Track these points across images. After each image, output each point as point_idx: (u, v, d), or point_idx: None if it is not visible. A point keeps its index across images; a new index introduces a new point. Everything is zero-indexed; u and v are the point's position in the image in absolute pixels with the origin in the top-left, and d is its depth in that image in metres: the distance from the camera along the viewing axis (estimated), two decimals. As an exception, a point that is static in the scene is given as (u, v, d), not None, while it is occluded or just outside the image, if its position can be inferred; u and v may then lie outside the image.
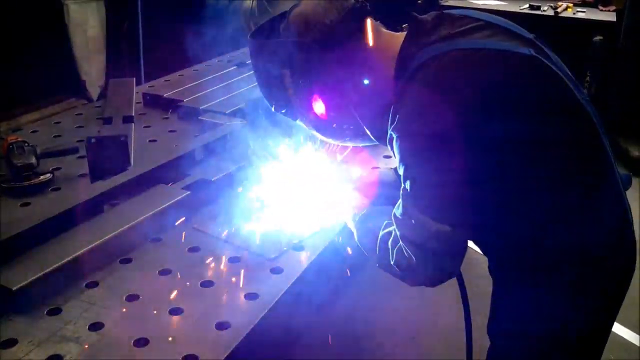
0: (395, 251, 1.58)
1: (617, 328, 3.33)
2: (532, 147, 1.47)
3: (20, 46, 4.41)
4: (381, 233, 1.67)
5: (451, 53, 1.47)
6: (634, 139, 5.50)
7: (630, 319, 3.35)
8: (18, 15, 4.39)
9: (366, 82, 1.58)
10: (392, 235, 1.60)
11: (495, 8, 5.87)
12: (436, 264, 1.53)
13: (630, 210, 1.64)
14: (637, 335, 3.35)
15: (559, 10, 5.70)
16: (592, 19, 5.59)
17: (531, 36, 1.60)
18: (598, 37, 5.32)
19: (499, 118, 1.43)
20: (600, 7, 5.84)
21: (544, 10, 5.75)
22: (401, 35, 1.59)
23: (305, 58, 1.55)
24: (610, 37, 5.40)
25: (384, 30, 1.64)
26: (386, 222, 1.67)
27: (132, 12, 4.98)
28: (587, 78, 5.47)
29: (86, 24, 4.89)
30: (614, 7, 5.76)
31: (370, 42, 1.58)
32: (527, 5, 5.85)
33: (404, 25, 1.62)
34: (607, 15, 5.66)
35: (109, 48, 5.13)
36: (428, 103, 1.44)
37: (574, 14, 5.71)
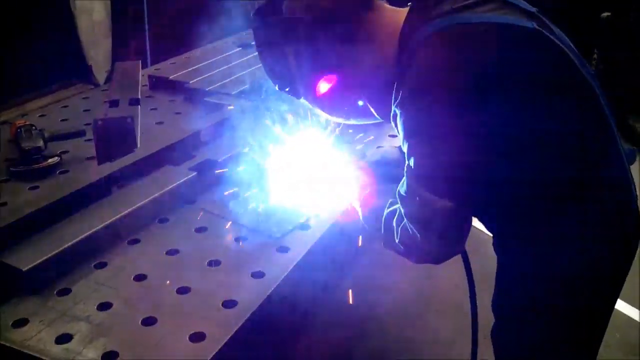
0: (400, 229, 1.58)
1: (634, 312, 3.35)
2: (535, 121, 1.47)
3: (26, 32, 4.42)
4: (386, 211, 1.67)
5: (454, 28, 1.46)
6: (642, 117, 5.48)
7: (631, 295, 3.36)
8: (23, 1, 4.39)
9: (369, 58, 1.58)
10: (397, 214, 1.61)
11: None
12: (441, 241, 1.53)
13: (634, 184, 1.64)
14: (638, 311, 3.36)
15: (567, -14, 5.64)
16: (601, -5, 5.53)
17: (534, 10, 1.59)
18: (606, 14, 5.26)
19: (502, 92, 1.43)
20: (609, -17, 5.78)
21: (551, -13, 5.69)
22: (404, 11, 1.58)
23: (308, 35, 1.55)
24: (619, 13, 5.35)
25: (387, 6, 1.64)
26: (390, 200, 1.68)
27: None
28: (595, 55, 5.43)
29: (92, 9, 4.89)
30: (622, -17, 5.70)
31: (373, 18, 1.58)
32: (534, -18, 5.80)
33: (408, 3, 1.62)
34: (615, -8, 5.60)
35: (115, 32, 5.12)
36: (431, 78, 1.44)
37: (582, -11, 5.65)
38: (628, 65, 5.52)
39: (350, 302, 1.98)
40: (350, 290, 1.99)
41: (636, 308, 3.37)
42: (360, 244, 1.93)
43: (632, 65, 5.48)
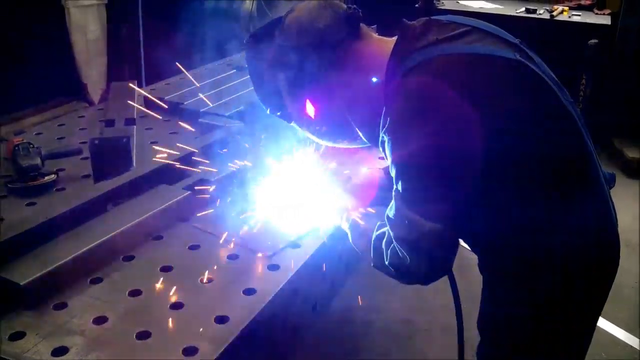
0: (389, 251, 1.62)
1: (617, 332, 3.39)
2: (517, 148, 1.52)
3: (22, 49, 4.46)
4: (375, 234, 1.71)
5: (439, 58, 1.52)
6: (629, 141, 5.57)
7: (624, 319, 3.43)
8: (20, 19, 4.44)
9: (358, 85, 1.63)
10: (386, 236, 1.64)
11: (491, 11, 5.93)
12: (430, 263, 1.57)
13: (614, 208, 1.70)
14: (637, 339, 3.41)
15: (554, 13, 5.76)
16: (588, 22, 5.65)
17: (516, 41, 1.66)
18: (593, 40, 5.37)
19: (485, 120, 1.48)
20: (596, 11, 5.91)
21: (540, 14, 5.81)
22: (391, 41, 1.64)
23: (300, 62, 1.61)
24: (606, 40, 5.46)
25: (375, 35, 1.70)
26: (379, 223, 1.71)
27: (133, 15, 5.03)
28: (583, 80, 5.54)
29: (87, 27, 4.94)
30: (609, 11, 5.83)
31: (362, 47, 1.64)
32: (523, 9, 5.91)
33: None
34: (602, 19, 5.73)
35: (110, 51, 5.17)
36: (417, 106, 1.50)
37: (569, 17, 5.77)
38: (614, 89, 5.63)
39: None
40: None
41: (636, 337, 3.41)
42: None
43: (618, 89, 5.60)
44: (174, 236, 2.01)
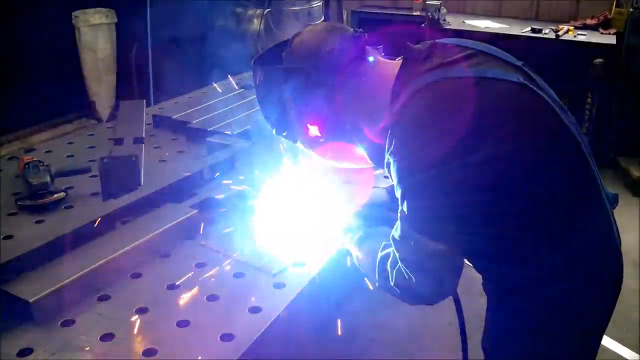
0: (395, 272, 1.62)
1: (624, 351, 3.37)
2: (521, 170, 1.53)
3: (32, 67, 4.52)
4: (379, 255, 1.71)
5: (443, 81, 1.54)
6: (634, 160, 5.57)
7: (631, 339, 3.41)
8: (31, 37, 4.50)
9: (363, 108, 1.66)
10: (391, 257, 1.65)
11: (497, 31, 5.96)
12: (435, 283, 1.58)
13: (617, 229, 1.70)
14: (638, 355, 3.39)
15: (560, 33, 5.78)
16: (593, 42, 5.67)
17: (519, 63, 1.68)
18: (599, 59, 5.40)
19: (489, 143, 1.49)
20: (601, 30, 5.93)
21: (545, 34, 5.83)
22: (397, 64, 1.67)
23: (306, 84, 1.63)
24: (611, 59, 5.49)
25: (381, 58, 1.72)
26: (384, 243, 1.72)
27: (142, 34, 5.09)
28: (589, 99, 5.56)
29: (97, 46, 5.01)
30: (614, 30, 5.85)
31: (367, 69, 1.66)
32: (528, 29, 5.94)
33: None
34: (607, 38, 5.74)
35: (119, 70, 5.24)
36: (422, 129, 1.51)
37: (574, 36, 5.79)
38: (619, 108, 5.65)
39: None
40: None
41: (636, 352, 3.39)
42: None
43: (623, 108, 5.61)
44: (181, 254, 2.03)
